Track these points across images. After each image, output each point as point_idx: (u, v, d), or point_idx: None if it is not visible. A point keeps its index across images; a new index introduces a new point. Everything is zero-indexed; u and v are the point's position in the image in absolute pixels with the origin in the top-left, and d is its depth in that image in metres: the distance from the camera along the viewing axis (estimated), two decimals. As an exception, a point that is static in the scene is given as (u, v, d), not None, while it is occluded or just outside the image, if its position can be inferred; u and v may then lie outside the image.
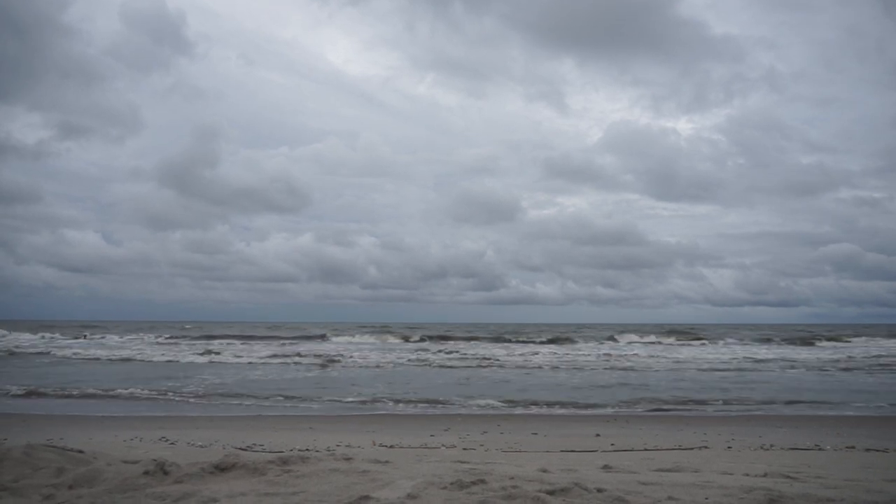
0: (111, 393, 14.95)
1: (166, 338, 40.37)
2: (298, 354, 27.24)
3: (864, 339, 42.08)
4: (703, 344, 38.32)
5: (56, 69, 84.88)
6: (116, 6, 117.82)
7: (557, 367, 22.98)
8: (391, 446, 7.85)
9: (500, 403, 13.58)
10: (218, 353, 28.09)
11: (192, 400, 14.24)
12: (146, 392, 15.01)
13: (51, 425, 10.00)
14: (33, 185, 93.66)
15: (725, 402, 13.86)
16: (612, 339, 41.79)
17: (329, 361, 24.57)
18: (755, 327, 73.65)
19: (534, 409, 12.85)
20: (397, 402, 13.87)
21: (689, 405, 13.56)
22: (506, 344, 38.00)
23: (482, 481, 4.03)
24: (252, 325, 76.57)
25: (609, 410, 12.72)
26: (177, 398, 14.43)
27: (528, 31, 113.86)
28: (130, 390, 15.17)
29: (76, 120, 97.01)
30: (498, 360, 25.88)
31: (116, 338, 40.10)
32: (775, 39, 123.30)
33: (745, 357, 27.13)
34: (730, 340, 40.84)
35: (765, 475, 5.04)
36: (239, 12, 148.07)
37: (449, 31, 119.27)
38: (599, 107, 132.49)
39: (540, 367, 23.06)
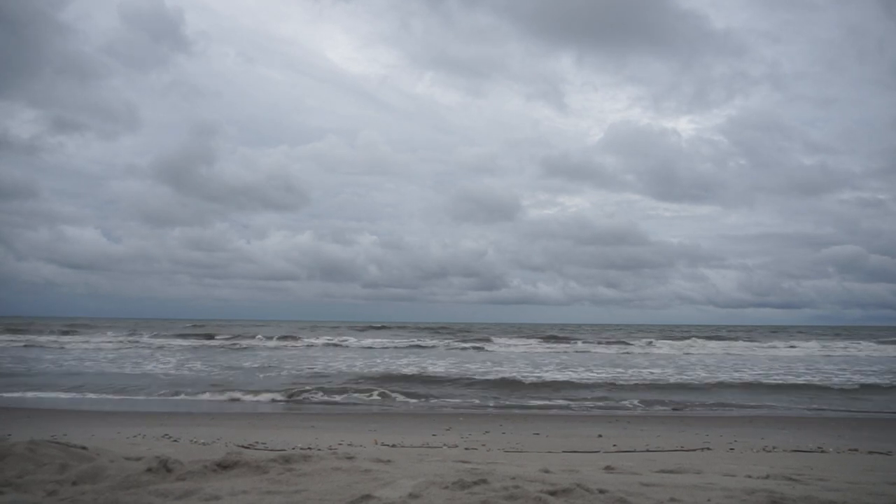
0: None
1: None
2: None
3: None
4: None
5: (53, 66, 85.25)
6: (115, 3, 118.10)
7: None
8: (393, 445, 7.85)
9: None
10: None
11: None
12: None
13: (54, 421, 10.04)
14: (30, 181, 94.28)
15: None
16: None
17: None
18: (780, 328, 72.11)
19: (536, 409, 12.85)
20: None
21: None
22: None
23: (484, 481, 4.03)
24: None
25: (612, 411, 12.71)
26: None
27: (523, 24, 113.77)
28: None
29: (73, 117, 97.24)
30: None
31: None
32: (778, 36, 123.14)
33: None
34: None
35: (767, 477, 5.02)
36: (238, 9, 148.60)
37: (443, 26, 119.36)
38: (599, 106, 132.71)
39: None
